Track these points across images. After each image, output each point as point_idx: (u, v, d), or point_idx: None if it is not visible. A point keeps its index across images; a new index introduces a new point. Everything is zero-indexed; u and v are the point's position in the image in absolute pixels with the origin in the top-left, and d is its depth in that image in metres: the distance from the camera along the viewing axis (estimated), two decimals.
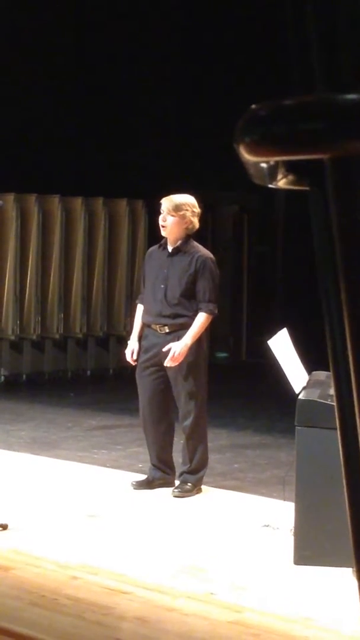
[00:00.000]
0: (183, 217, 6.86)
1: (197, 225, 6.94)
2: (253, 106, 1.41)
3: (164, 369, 6.84)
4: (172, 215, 6.86)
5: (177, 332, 6.80)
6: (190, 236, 6.97)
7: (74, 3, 13.81)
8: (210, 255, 7.00)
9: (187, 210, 6.86)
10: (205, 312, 6.81)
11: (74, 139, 13.47)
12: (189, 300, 6.85)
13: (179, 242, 6.93)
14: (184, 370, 6.80)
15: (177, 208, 6.85)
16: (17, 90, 13.18)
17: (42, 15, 13.49)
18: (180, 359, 6.71)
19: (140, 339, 7.03)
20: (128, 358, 7.03)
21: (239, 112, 1.59)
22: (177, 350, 6.70)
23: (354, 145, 1.36)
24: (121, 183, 13.34)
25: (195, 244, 7.00)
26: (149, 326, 6.98)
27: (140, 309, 7.09)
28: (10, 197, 12.42)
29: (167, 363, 6.72)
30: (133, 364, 7.04)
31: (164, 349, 6.74)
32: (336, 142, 1.36)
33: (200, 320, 6.79)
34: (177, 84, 14.76)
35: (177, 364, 6.72)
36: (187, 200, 6.92)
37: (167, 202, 6.90)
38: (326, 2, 1.45)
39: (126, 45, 14.00)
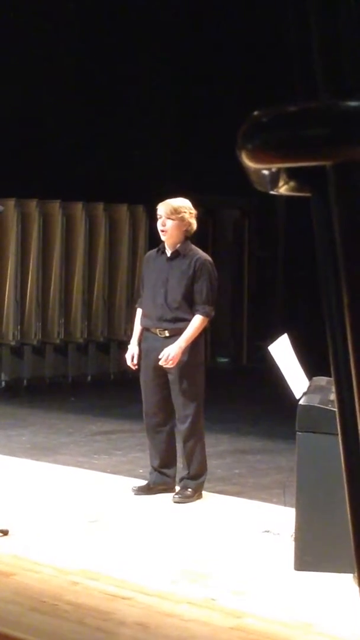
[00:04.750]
0: (182, 219, 6.88)
1: (195, 226, 6.97)
2: (255, 112, 1.41)
3: (165, 372, 6.86)
4: (171, 219, 6.87)
5: (177, 336, 6.82)
6: (189, 239, 6.99)
7: (76, 6, 13.81)
8: (208, 257, 7.03)
9: (184, 212, 6.88)
10: (201, 314, 6.83)
11: (75, 145, 13.47)
12: (190, 303, 6.86)
13: (178, 246, 6.94)
14: (180, 373, 6.81)
15: (175, 211, 6.87)
16: (18, 95, 13.18)
17: (43, 20, 13.50)
18: (175, 361, 6.73)
19: (140, 343, 7.04)
20: (128, 362, 7.05)
21: (241, 117, 1.59)
22: (170, 353, 6.73)
23: (357, 151, 1.36)
24: (122, 188, 13.35)
25: (194, 247, 7.01)
26: (148, 330, 6.99)
27: (139, 313, 7.11)
28: (11, 202, 12.42)
29: (161, 363, 6.75)
30: (133, 368, 7.06)
31: (160, 356, 6.76)
32: (339, 149, 1.36)
33: (196, 322, 6.81)
34: (178, 88, 14.76)
35: (171, 366, 6.74)
36: (184, 203, 6.95)
37: (164, 207, 6.92)
38: (328, 8, 1.45)
39: (127, 49, 14.01)
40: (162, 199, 7.03)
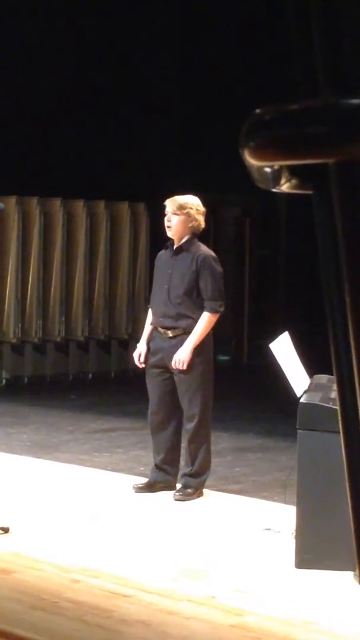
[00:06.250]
0: (188, 215, 6.87)
1: (202, 223, 6.96)
2: (257, 110, 1.41)
3: (171, 371, 6.85)
4: (177, 214, 6.87)
5: (181, 336, 6.81)
6: (196, 235, 6.98)
7: (76, 6, 13.80)
8: (211, 253, 7.00)
9: (191, 208, 6.88)
10: (209, 311, 6.81)
11: (76, 142, 13.47)
12: (193, 299, 6.85)
13: (183, 242, 6.94)
14: (187, 372, 6.80)
15: (181, 207, 6.87)
16: (19, 93, 13.18)
17: (43, 17, 13.49)
18: (186, 364, 6.73)
19: (149, 342, 7.03)
20: (136, 361, 7.05)
21: (242, 114, 1.59)
22: (181, 357, 6.73)
23: (359, 149, 1.35)
24: (123, 186, 13.35)
25: (199, 243, 7.01)
26: (156, 328, 6.99)
27: (151, 312, 7.11)
28: (12, 200, 12.42)
29: (173, 370, 6.76)
30: (140, 366, 7.05)
31: (172, 362, 6.76)
32: (341, 146, 1.36)
33: (204, 320, 6.80)
34: (179, 86, 14.75)
35: (184, 369, 6.75)
36: (191, 199, 6.94)
37: (171, 203, 6.93)
38: (330, 7, 1.45)
39: (128, 46, 14.00)
40: (163, 197, 7.04)
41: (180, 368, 6.75)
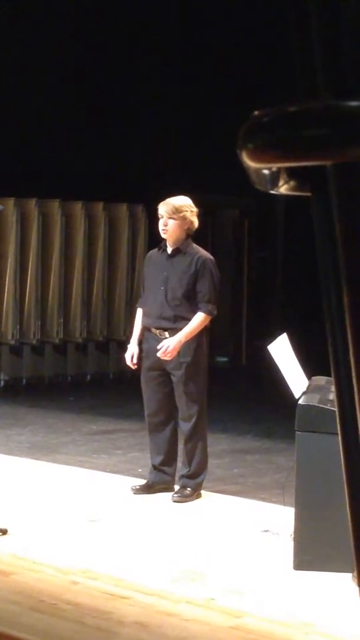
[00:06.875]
0: (183, 218, 6.87)
1: (196, 224, 6.96)
2: (256, 112, 1.41)
3: (167, 372, 6.86)
4: (173, 219, 6.86)
5: None
6: (190, 237, 6.98)
7: (75, 6, 13.80)
8: (210, 256, 7.01)
9: (186, 211, 6.88)
10: (204, 312, 6.82)
11: (75, 144, 13.47)
12: (190, 301, 6.85)
13: (179, 244, 6.94)
14: (185, 374, 6.80)
15: (176, 210, 6.86)
16: (18, 94, 13.18)
17: (42, 19, 13.49)
18: (173, 354, 6.72)
19: (140, 343, 7.03)
20: (128, 362, 7.04)
21: (241, 117, 1.59)
22: (169, 345, 6.72)
23: (357, 151, 1.36)
24: (121, 187, 13.35)
25: (195, 245, 7.01)
26: (149, 330, 6.97)
27: (139, 313, 7.09)
28: (10, 202, 12.41)
29: (159, 354, 6.74)
30: (133, 367, 7.05)
31: (159, 346, 6.76)
32: (339, 149, 1.36)
33: (197, 319, 6.80)
34: (178, 88, 14.75)
35: (169, 359, 6.73)
36: (184, 201, 6.94)
37: (165, 206, 6.90)
38: (330, 9, 1.45)
39: (128, 49, 14.00)
40: (161, 199, 7.02)
41: (167, 357, 6.72)
